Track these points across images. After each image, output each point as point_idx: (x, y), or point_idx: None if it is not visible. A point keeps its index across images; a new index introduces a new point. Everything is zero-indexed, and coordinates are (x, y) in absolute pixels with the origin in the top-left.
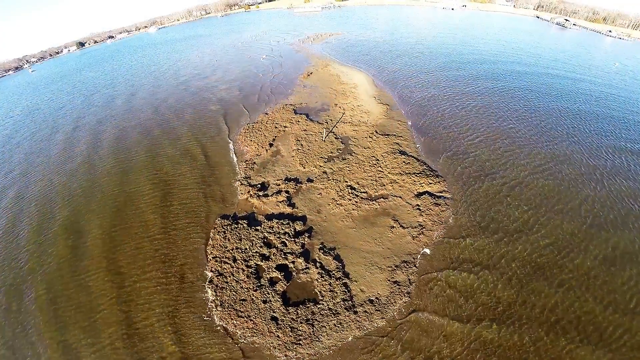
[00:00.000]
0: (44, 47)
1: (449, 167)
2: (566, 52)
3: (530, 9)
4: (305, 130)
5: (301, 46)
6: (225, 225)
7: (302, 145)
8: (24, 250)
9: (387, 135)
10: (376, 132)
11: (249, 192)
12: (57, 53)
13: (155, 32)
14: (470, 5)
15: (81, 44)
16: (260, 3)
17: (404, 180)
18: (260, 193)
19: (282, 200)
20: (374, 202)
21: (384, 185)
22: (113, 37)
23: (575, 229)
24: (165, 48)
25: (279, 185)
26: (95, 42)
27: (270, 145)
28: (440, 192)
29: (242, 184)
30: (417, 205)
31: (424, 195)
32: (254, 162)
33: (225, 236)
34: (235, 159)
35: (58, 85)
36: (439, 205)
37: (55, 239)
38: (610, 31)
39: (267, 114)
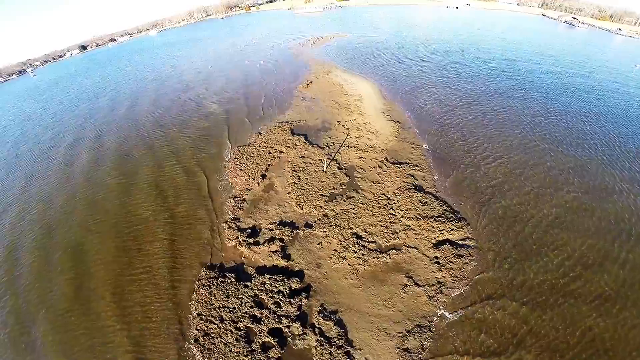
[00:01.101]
0: (48, 51)
1: (473, 206)
2: (581, 54)
3: (534, 7)
4: (303, 156)
5: (301, 50)
6: (210, 277)
7: (299, 177)
8: None
9: (400, 163)
10: (386, 160)
11: (237, 238)
12: (60, 57)
13: (156, 35)
14: (474, 4)
15: (83, 47)
16: (261, 4)
17: (420, 226)
18: (251, 240)
19: (276, 251)
20: (384, 254)
21: (397, 233)
22: (115, 39)
23: None
24: (162, 52)
25: (272, 230)
26: (98, 45)
27: (263, 176)
28: (463, 239)
29: (230, 227)
30: (436, 257)
31: (444, 245)
32: (244, 199)
33: (211, 291)
34: (222, 193)
35: (53, 92)
36: (462, 256)
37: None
38: (619, 29)
39: (260, 133)
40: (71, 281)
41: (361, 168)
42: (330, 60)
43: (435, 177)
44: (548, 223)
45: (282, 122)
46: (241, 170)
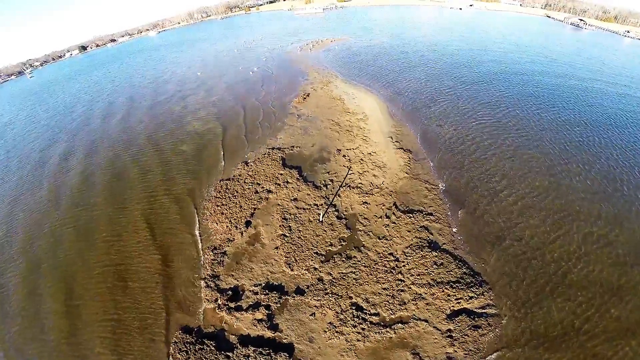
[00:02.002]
0: (48, 51)
1: (496, 267)
2: (595, 59)
3: (537, 8)
4: (295, 199)
5: (299, 55)
6: (187, 342)
7: (290, 228)
8: None
9: (412, 212)
10: (395, 207)
11: (217, 300)
12: (60, 57)
13: (155, 36)
14: (477, 5)
15: (83, 48)
16: (261, 5)
17: (433, 294)
18: (232, 305)
19: (261, 319)
20: (388, 329)
21: (405, 303)
22: (115, 40)
23: None
24: (157, 54)
25: (257, 294)
26: (98, 45)
27: (248, 223)
28: (483, 307)
29: (207, 286)
30: (449, 330)
31: (460, 316)
32: (225, 252)
33: (188, 358)
34: (200, 243)
35: (40, 97)
36: (479, 327)
37: None
38: (628, 32)
39: (247, 163)
40: None
41: (365, 218)
42: (329, 68)
43: (454, 230)
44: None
45: (273, 148)
46: (222, 214)
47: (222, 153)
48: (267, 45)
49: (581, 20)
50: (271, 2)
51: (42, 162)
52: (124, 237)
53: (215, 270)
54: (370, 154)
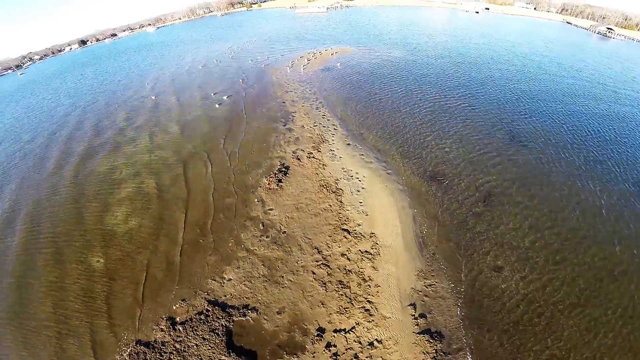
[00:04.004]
0: (49, 45)
1: None
2: None
3: (553, 13)
4: None
5: (287, 76)
6: None
7: None
8: None
9: None
10: None
11: None
12: (60, 51)
13: (153, 32)
14: (492, 8)
15: (83, 42)
16: (264, 1)
17: None
18: None
19: None
20: None
21: None
22: (116, 35)
23: None
24: (135, 58)
25: None
26: (98, 40)
27: None
28: None
29: None
30: None
31: None
32: None
33: None
34: None
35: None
36: None
37: None
38: None
39: (174, 324)
40: None
41: None
42: (325, 107)
43: None
44: None
45: (214, 303)
46: None
47: (141, 294)
48: (255, 54)
49: (609, 29)
50: None
51: None
52: None
53: None
54: (372, 345)
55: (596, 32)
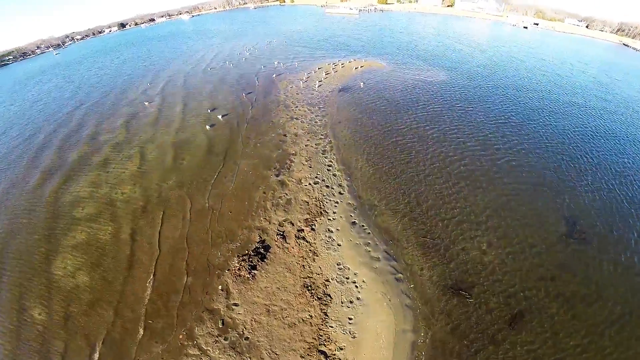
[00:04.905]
0: (92, 25)
1: None
2: None
3: (607, 32)
4: None
5: (297, 97)
6: None
7: None
8: None
9: None
10: None
11: None
12: (100, 32)
13: (187, 20)
14: (541, 24)
15: (122, 25)
16: None
17: None
18: None
19: None
20: None
21: None
22: (154, 19)
23: None
24: (157, 48)
25: None
26: (136, 24)
27: None
28: None
29: None
30: None
31: None
32: None
33: None
34: None
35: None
36: None
37: None
38: None
39: None
40: None
41: None
42: (334, 153)
43: None
44: None
45: None
46: None
47: None
48: (271, 58)
49: None
50: None
51: None
52: None
53: None
54: None
55: None
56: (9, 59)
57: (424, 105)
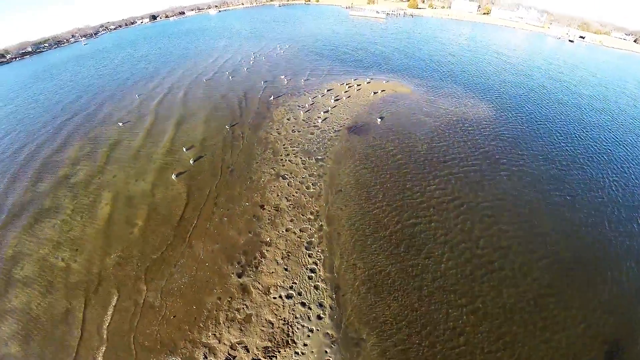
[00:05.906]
0: (126, 16)
1: None
2: None
3: None
4: None
5: (292, 137)
6: None
7: None
8: None
9: None
10: None
11: None
12: (132, 23)
13: (214, 15)
14: (588, 37)
15: (154, 17)
16: None
17: None
18: None
19: None
20: None
21: None
22: (184, 13)
23: None
24: (167, 46)
25: None
26: (167, 16)
27: None
28: None
29: None
30: None
31: None
32: None
33: None
34: None
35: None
36: None
37: None
38: None
39: None
40: None
41: None
42: (322, 249)
43: None
44: None
45: None
46: None
47: None
48: (276, 71)
49: None
50: None
51: None
52: None
53: None
54: None
55: None
56: (45, 46)
57: (459, 163)
